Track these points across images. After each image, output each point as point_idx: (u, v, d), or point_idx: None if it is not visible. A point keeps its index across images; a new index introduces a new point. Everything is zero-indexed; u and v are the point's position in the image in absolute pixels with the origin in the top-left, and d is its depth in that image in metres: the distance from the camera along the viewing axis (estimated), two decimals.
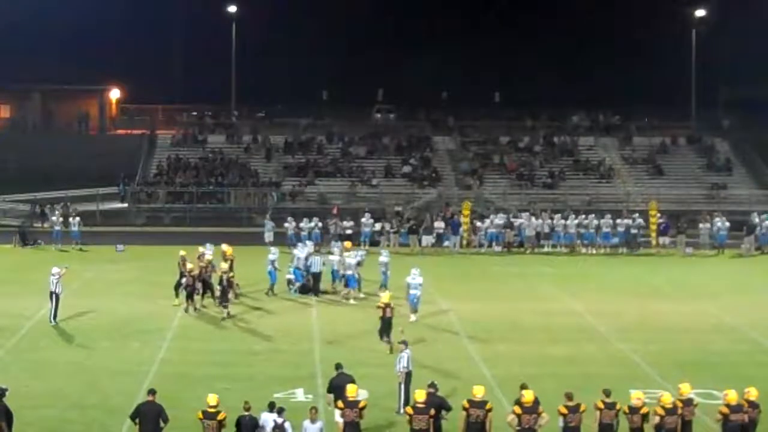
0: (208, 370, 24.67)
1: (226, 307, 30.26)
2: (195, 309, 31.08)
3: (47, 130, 67.36)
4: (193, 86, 69.40)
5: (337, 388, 19.67)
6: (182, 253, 32.73)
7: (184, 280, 31.23)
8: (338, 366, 20.54)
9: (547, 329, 29.56)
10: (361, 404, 18.43)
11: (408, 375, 21.38)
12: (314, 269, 34.45)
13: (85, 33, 67.51)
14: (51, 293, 29.34)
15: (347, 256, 33.61)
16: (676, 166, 62.55)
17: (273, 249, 35.45)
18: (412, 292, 30.09)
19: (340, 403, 18.53)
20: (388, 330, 26.35)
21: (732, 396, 18.29)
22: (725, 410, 18.14)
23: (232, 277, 31.45)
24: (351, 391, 18.63)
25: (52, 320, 29.19)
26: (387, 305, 26.38)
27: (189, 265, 31.41)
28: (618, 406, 18.18)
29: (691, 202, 55.69)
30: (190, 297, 31.03)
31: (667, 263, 43.17)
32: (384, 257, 34.49)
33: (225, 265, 31.16)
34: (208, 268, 32.19)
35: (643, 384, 22.42)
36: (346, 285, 33.46)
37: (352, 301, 33.02)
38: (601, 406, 18.14)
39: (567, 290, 35.66)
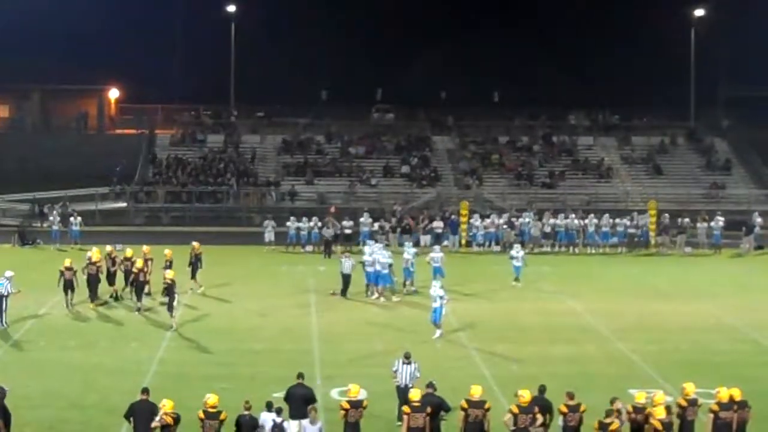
0: (207, 369, 24.61)
1: (172, 315, 28.79)
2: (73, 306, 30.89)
3: (46, 130, 67.29)
4: (192, 86, 69.28)
5: (291, 397, 18.97)
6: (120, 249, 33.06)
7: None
8: (300, 375, 19.77)
9: (547, 329, 29.51)
10: (365, 403, 18.36)
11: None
12: (346, 271, 33.61)
13: (85, 33, 67.36)
14: None
15: (381, 255, 33.42)
16: (676, 166, 62.57)
17: (386, 253, 34.04)
18: (433, 305, 28.17)
19: (344, 404, 18.38)
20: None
21: (723, 394, 18.29)
22: (716, 408, 18.11)
23: (173, 280, 28.98)
24: (354, 391, 18.49)
25: (3, 324, 28.48)
26: None
27: (67, 262, 31.06)
28: (582, 408, 18.11)
29: (691, 201, 55.67)
30: (66, 292, 30.85)
31: (667, 263, 43.15)
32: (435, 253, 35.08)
33: (171, 273, 29.24)
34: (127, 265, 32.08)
35: (643, 384, 22.36)
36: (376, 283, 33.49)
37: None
38: (565, 410, 18.13)
39: (567, 290, 35.61)
